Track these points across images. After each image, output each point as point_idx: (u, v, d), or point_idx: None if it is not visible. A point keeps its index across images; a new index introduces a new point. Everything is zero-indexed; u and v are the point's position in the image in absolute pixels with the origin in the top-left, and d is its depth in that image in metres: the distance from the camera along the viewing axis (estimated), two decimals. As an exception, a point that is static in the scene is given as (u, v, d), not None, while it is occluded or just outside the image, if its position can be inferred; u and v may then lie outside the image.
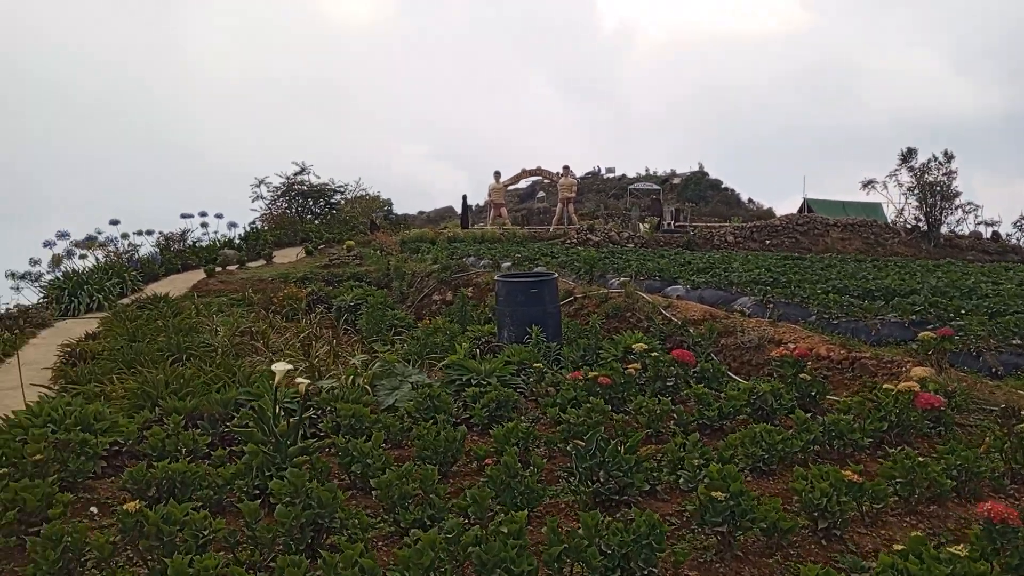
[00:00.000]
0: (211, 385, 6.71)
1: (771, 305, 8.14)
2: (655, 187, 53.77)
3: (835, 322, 7.95)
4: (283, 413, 4.65)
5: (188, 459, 4.88)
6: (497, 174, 29.54)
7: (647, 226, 25.28)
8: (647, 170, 76.37)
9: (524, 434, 4.93)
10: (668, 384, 6.31)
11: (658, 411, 5.41)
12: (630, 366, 6.26)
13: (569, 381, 6.17)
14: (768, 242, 24.45)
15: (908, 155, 28.22)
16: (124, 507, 3.23)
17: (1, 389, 8.32)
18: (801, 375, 6.13)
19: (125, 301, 13.63)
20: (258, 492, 4.22)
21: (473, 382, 6.39)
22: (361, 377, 7.18)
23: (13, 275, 13.28)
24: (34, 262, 13.86)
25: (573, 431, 5.10)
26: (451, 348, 8.54)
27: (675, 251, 17.82)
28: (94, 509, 4.37)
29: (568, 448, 4.41)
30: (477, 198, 40.00)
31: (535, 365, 6.75)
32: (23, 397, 7.20)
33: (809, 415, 5.27)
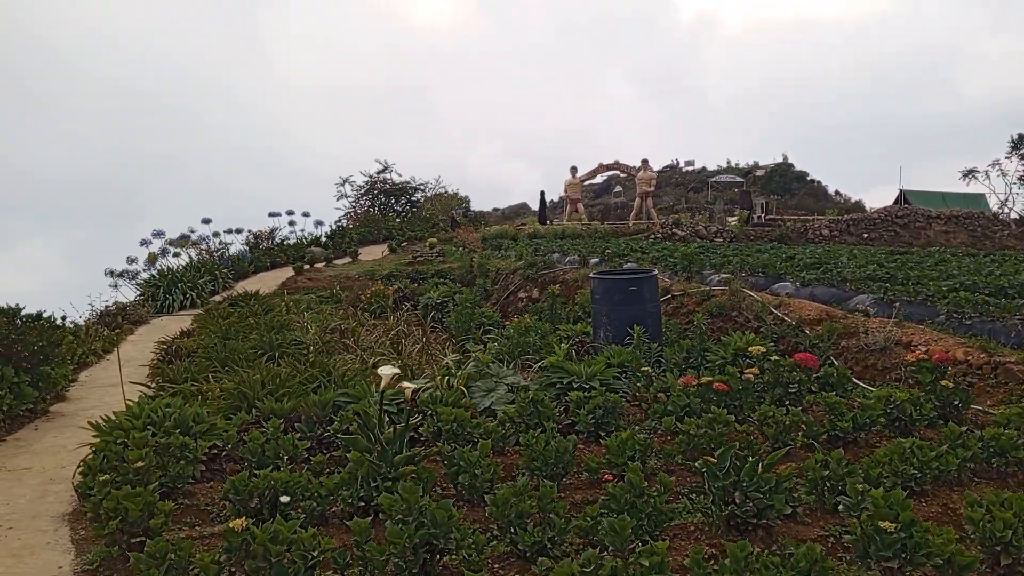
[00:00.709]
0: (307, 385, 6.57)
1: (896, 304, 7.47)
2: (738, 179, 52.14)
3: (967, 322, 7.23)
4: (387, 419, 4.38)
5: (288, 465, 4.70)
6: (573, 169, 29.08)
7: (735, 220, 24.36)
8: (728, 162, 74.23)
9: (641, 446, 4.53)
10: (790, 391, 5.79)
11: (787, 422, 4.92)
12: (748, 371, 5.77)
13: (680, 387, 5.73)
14: (865, 236, 23.17)
15: (1020, 142, 26.30)
16: (230, 524, 3.01)
17: (103, 386, 8.44)
18: (942, 382, 5.52)
19: (217, 298, 13.85)
20: (363, 504, 3.97)
21: (575, 386, 6.02)
22: (456, 378, 6.92)
23: (111, 273, 13.68)
24: (131, 260, 14.28)
25: (693, 443, 4.67)
26: (544, 348, 8.20)
27: (770, 246, 17.00)
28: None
29: (696, 464, 3.99)
30: (552, 195, 39.52)
31: (642, 369, 6.33)
32: (123, 396, 7.24)
33: (965, 429, 4.69)
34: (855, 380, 6.31)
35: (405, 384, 4.11)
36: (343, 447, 4.95)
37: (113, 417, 5.20)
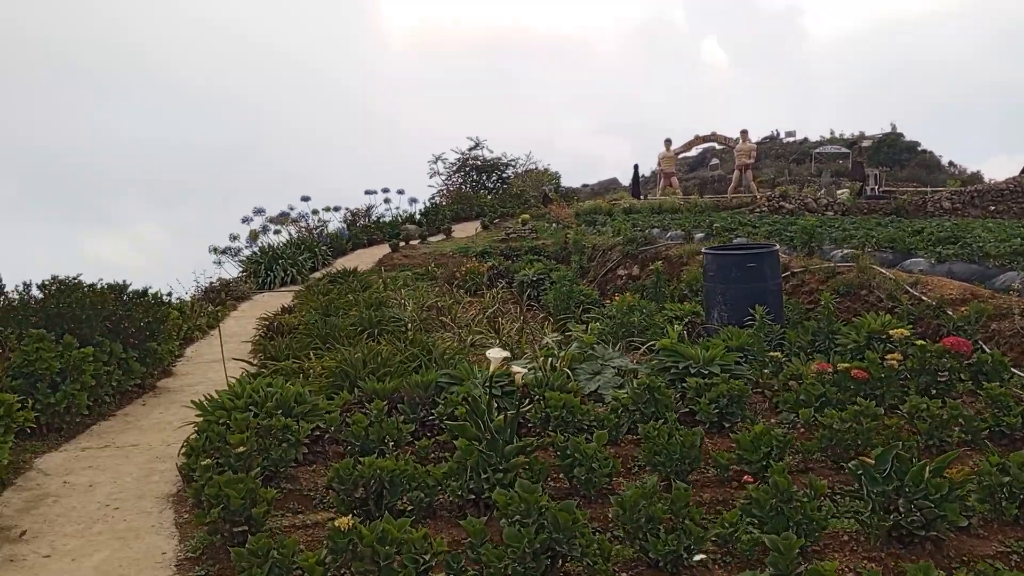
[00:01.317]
0: (408, 364, 6.36)
1: (1059, 282, 6.61)
2: (843, 150, 49.41)
3: None
4: (496, 405, 4.06)
5: (393, 450, 4.47)
6: (668, 142, 28.06)
7: (844, 192, 22.92)
8: (832, 132, 70.54)
9: (780, 442, 4.05)
10: (940, 380, 5.15)
11: (943, 416, 4.32)
12: (889, 357, 5.16)
13: (814, 373, 5.18)
14: (992, 208, 21.33)
15: None
16: (336, 523, 2.75)
17: (207, 362, 8.53)
18: None
19: (316, 275, 13.98)
20: (473, 497, 3.67)
21: (692, 371, 5.55)
22: (559, 359, 6.56)
23: (215, 250, 13.99)
24: (233, 237, 14.57)
25: (836, 439, 4.15)
26: (650, 329, 7.73)
27: (888, 219, 15.81)
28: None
29: (850, 466, 3.49)
30: (644, 169, 38.46)
31: (771, 354, 5.79)
32: (225, 373, 7.25)
33: None
34: (1013, 369, 5.58)
35: (516, 368, 3.77)
36: (449, 432, 4.68)
37: (215, 396, 5.11)
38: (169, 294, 8.72)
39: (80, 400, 5.62)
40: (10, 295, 6.17)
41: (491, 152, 28.21)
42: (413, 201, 20.48)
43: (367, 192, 19.43)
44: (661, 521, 3.11)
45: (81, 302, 6.04)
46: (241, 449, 3.74)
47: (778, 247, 7.46)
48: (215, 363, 8.47)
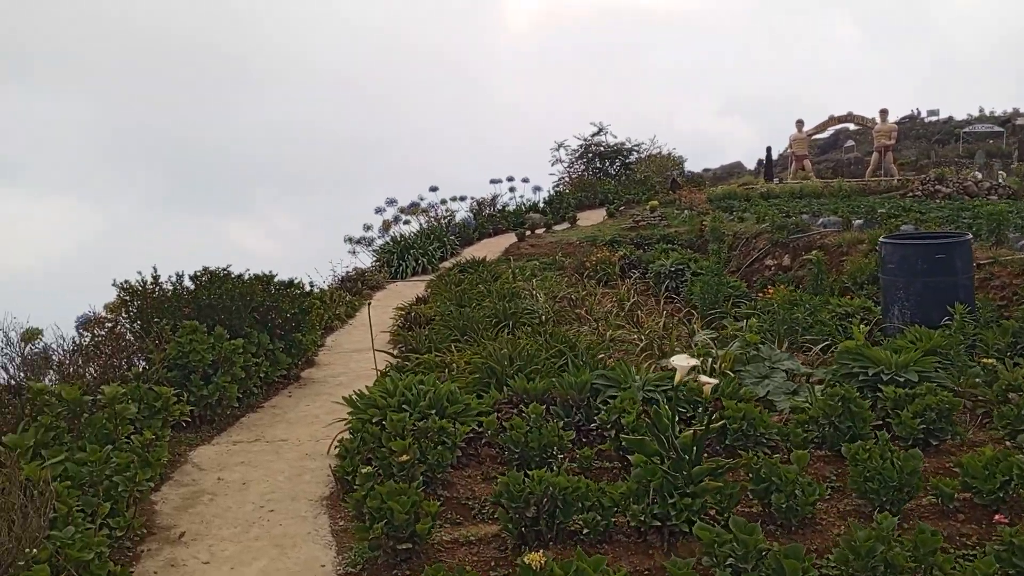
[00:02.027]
0: (553, 361, 6.02)
1: None
2: (996, 129, 45.27)
3: None
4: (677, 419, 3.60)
5: (559, 459, 4.11)
6: (799, 123, 26.36)
7: (1003, 174, 20.76)
8: (981, 110, 64.84)
9: (1021, 470, 3.38)
10: None
11: None
12: None
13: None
14: None
15: None
16: (526, 560, 2.40)
17: (348, 351, 8.51)
18: None
19: (446, 264, 13.91)
20: (658, 523, 3.24)
21: (884, 377, 4.88)
22: (718, 360, 6.02)
23: (350, 240, 14.20)
24: (367, 227, 14.74)
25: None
26: (815, 326, 7.03)
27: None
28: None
29: None
30: (773, 152, 36.43)
31: (984, 360, 5.03)
32: (372, 363, 7.16)
33: None
34: None
35: (704, 379, 3.31)
36: (613, 441, 4.27)
37: (366, 392, 4.92)
38: (311, 284, 8.75)
39: (231, 392, 5.60)
40: (164, 286, 6.25)
41: (614, 137, 27.49)
42: (537, 189, 20.18)
43: (492, 181, 19.29)
44: (902, 570, 2.57)
45: (231, 293, 6.04)
46: (405, 458, 3.48)
47: (969, 236, 6.56)
48: (356, 352, 8.44)
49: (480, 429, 4.52)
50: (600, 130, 27.47)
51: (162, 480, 4.42)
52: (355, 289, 11.72)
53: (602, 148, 27.49)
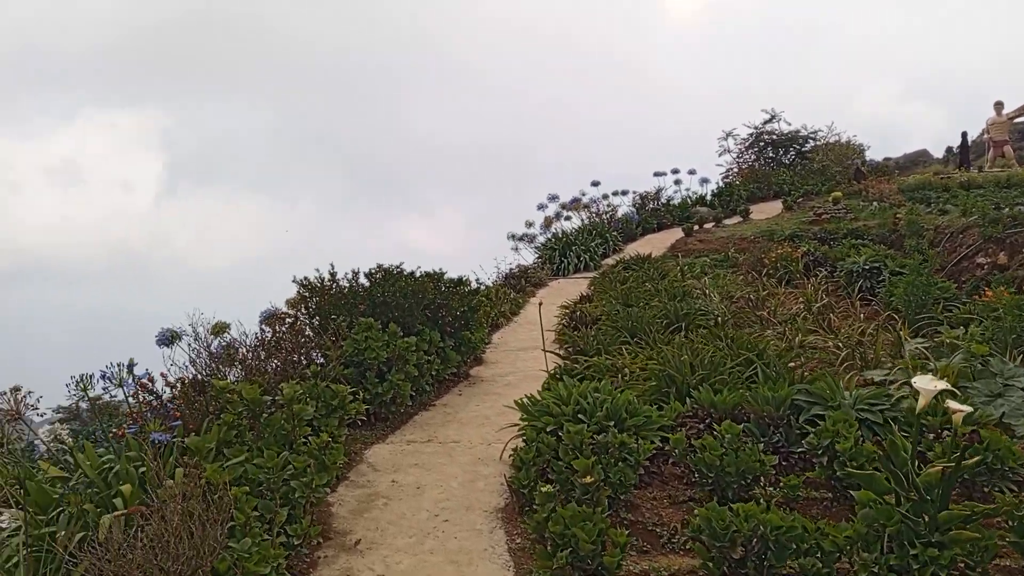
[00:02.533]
0: (740, 370, 5.47)
1: None
2: None
3: None
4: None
5: (750, 485, 3.63)
6: (999, 105, 23.34)
7: None
8: None
9: None
10: None
11: None
12: None
13: None
14: None
15: None
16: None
17: (514, 349, 8.34)
18: None
19: (609, 261, 13.51)
20: (895, 578, 2.71)
21: None
22: (937, 375, 5.21)
23: (513, 236, 14.14)
24: (529, 224, 14.60)
25: None
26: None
27: None
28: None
29: None
30: (954, 137, 32.80)
31: None
32: (538, 361, 6.94)
33: None
34: None
35: (954, 406, 2.71)
36: (824, 469, 3.73)
37: (539, 398, 4.66)
38: (477, 281, 8.66)
39: (404, 390, 5.55)
40: (341, 282, 6.32)
41: (788, 124, 25.79)
42: (704, 181, 19.22)
43: (656, 174, 18.59)
44: None
45: (404, 290, 6.00)
46: (589, 480, 3.16)
47: None
48: (522, 351, 8.27)
49: (664, 446, 4.12)
50: (772, 117, 25.88)
51: (338, 480, 4.38)
52: (519, 286, 11.60)
53: (775, 136, 25.89)
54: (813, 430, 3.87)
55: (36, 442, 3.83)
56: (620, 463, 3.74)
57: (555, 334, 8.96)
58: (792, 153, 26.20)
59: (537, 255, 13.99)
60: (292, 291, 6.36)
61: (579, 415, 4.22)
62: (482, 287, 9.87)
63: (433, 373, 6.18)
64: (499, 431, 5.12)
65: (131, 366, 3.43)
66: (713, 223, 16.80)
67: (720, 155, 26.18)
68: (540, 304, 7.08)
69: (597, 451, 3.73)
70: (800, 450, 4.03)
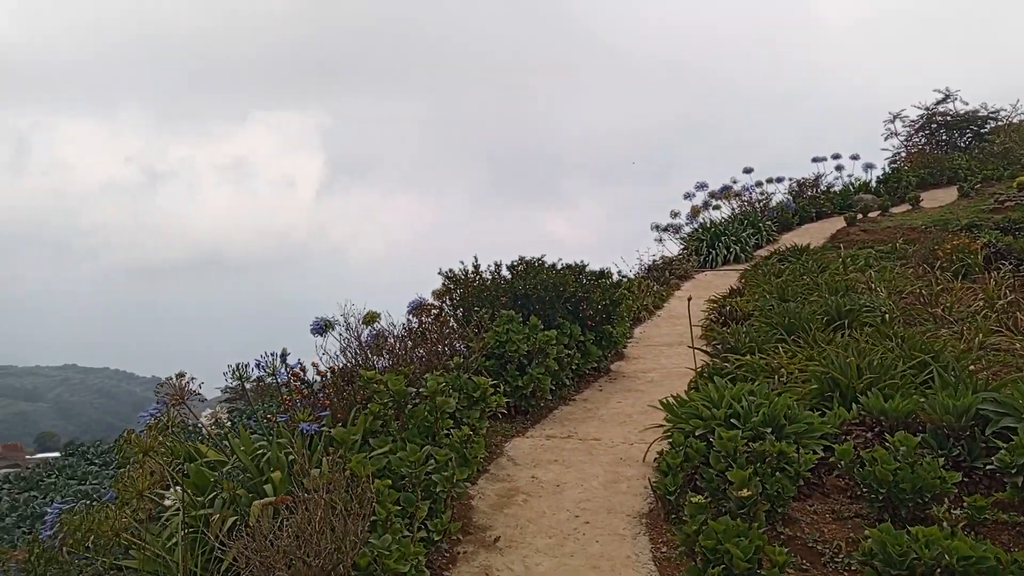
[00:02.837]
0: (912, 374, 4.95)
1: None
2: None
3: None
4: None
5: (927, 504, 3.23)
6: None
7: None
8: None
9: None
10: None
11: None
12: None
13: None
14: None
15: None
16: None
17: (657, 345, 8.07)
18: None
19: (761, 252, 12.83)
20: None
21: None
22: None
23: (657, 227, 13.71)
24: (674, 214, 14.11)
25: None
26: None
27: None
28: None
29: None
30: None
31: None
32: (684, 357, 6.66)
33: None
34: None
35: None
36: (1018, 491, 3.26)
37: (685, 397, 4.41)
38: (619, 273, 8.43)
39: (544, 384, 5.46)
40: (484, 274, 6.32)
41: (964, 104, 23.44)
42: (869, 167, 17.81)
43: (814, 159, 17.44)
44: None
45: (545, 283, 5.91)
46: (745, 493, 2.91)
47: None
48: (665, 347, 7.97)
49: (828, 456, 3.76)
50: (947, 96, 23.62)
51: (479, 473, 4.36)
52: (662, 279, 11.24)
53: (949, 117, 23.63)
54: (1004, 445, 3.40)
55: (198, 424, 4.06)
56: (777, 472, 3.44)
57: (702, 330, 8.57)
58: (969, 135, 23.83)
59: (682, 246, 13.52)
60: (438, 282, 6.45)
61: (732, 419, 3.94)
62: (623, 280, 9.62)
63: (573, 367, 6.06)
64: (643, 431, 4.92)
65: (284, 356, 3.55)
66: (878, 211, 15.57)
67: (886, 139, 24.22)
68: (689, 299, 6.75)
69: (752, 460, 3.46)
70: (987, 467, 3.55)
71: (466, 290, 6.17)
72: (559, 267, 6.52)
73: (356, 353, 4.41)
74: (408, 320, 5.58)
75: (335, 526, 2.26)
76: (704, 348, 7.39)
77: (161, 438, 2.96)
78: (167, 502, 3.63)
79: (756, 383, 4.46)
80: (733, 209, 14.72)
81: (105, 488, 14.60)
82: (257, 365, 3.47)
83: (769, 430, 3.80)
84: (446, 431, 3.72)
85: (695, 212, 14.00)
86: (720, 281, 11.35)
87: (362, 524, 2.35)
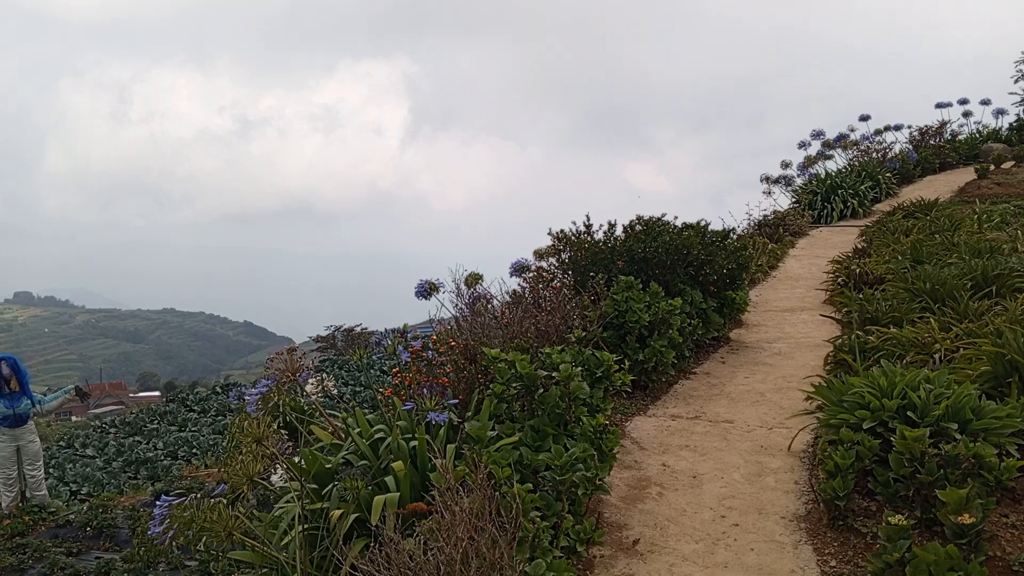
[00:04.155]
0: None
1: None
2: None
3: None
4: None
5: None
6: None
7: None
8: None
9: None
10: None
11: None
12: None
13: None
14: None
15: None
16: None
17: (777, 310, 7.45)
18: None
19: (882, 207, 11.83)
20: None
21: None
22: None
23: (767, 179, 12.76)
24: (785, 165, 13.11)
25: None
26: None
27: None
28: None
29: None
30: None
31: None
32: (804, 329, 6.05)
33: None
34: None
35: None
36: None
37: (842, 383, 3.88)
38: (733, 231, 7.74)
39: (667, 357, 5.00)
40: (596, 235, 5.85)
41: (1112, 40, 21.04)
42: (1000, 113, 16.18)
43: (938, 105, 15.94)
44: None
45: (668, 246, 5.39)
46: (967, 520, 2.41)
47: None
48: (788, 313, 7.35)
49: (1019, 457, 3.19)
50: (1090, 32, 21.25)
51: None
52: (775, 235, 10.48)
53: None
54: None
55: (306, 398, 3.82)
56: (970, 479, 2.91)
57: (827, 293, 7.90)
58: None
59: (793, 199, 12.60)
60: (520, 231, 6.04)
61: (907, 412, 3.40)
62: (747, 240, 8.94)
63: (695, 337, 5.57)
64: (782, 414, 4.43)
65: (405, 332, 3.22)
66: (1012, 162, 14.17)
67: (1016, 81, 22.09)
68: (780, 256, 6.11)
69: (942, 464, 2.93)
70: None
71: (578, 252, 5.72)
72: (679, 227, 5.99)
73: (472, 325, 4.05)
74: (520, 285, 5.19)
75: (482, 552, 1.91)
76: (832, 315, 6.75)
77: (275, 425, 2.68)
78: (274, 478, 3.41)
79: (923, 368, 3.87)
80: (848, 160, 13.62)
81: (204, 435, 15.08)
82: (378, 343, 3.16)
83: (955, 426, 3.26)
84: (576, 419, 3.33)
85: (808, 162, 12.98)
86: (838, 239, 10.51)
87: (511, 551, 1.99)
